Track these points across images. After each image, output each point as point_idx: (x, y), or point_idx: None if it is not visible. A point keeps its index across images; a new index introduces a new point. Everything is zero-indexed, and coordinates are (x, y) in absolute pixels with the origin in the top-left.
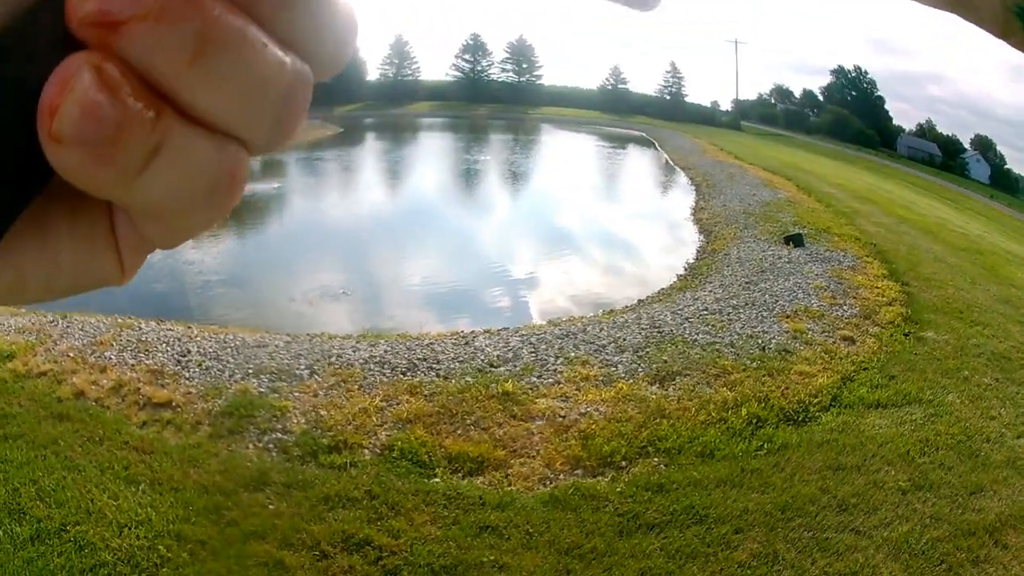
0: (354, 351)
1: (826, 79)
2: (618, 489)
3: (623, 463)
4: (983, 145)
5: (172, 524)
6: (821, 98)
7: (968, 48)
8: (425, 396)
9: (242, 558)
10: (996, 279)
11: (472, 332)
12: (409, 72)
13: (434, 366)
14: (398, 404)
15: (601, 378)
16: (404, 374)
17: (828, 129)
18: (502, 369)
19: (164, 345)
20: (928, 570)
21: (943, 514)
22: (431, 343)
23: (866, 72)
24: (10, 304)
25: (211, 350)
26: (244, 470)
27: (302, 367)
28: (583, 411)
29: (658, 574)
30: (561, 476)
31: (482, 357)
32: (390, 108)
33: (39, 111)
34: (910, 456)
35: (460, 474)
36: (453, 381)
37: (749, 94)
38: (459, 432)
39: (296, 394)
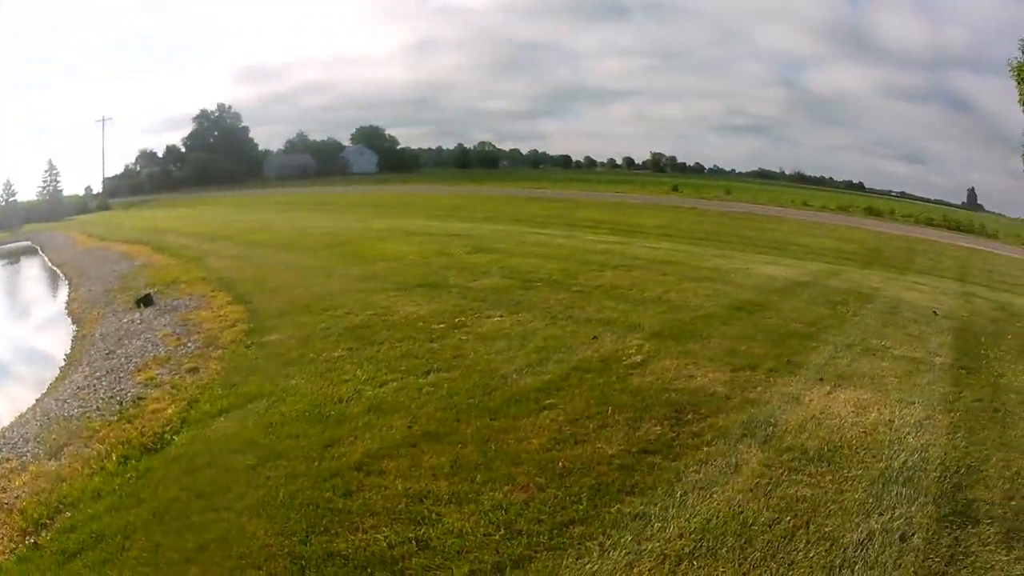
0: None
1: (190, 128)
2: (49, 537)
3: (48, 521)
4: (366, 136)
5: None
6: (184, 149)
7: (342, 46)
8: None
9: None
10: (362, 261)
11: None
12: None
13: None
14: None
15: (20, 467)
16: None
17: (192, 179)
18: None
19: None
20: (293, 515)
21: (299, 470)
22: None
23: (230, 107)
24: None
25: None
26: None
27: None
28: (16, 495)
29: None
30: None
31: None
32: None
33: None
34: (255, 440)
35: None
36: None
37: (119, 168)
38: None
39: None
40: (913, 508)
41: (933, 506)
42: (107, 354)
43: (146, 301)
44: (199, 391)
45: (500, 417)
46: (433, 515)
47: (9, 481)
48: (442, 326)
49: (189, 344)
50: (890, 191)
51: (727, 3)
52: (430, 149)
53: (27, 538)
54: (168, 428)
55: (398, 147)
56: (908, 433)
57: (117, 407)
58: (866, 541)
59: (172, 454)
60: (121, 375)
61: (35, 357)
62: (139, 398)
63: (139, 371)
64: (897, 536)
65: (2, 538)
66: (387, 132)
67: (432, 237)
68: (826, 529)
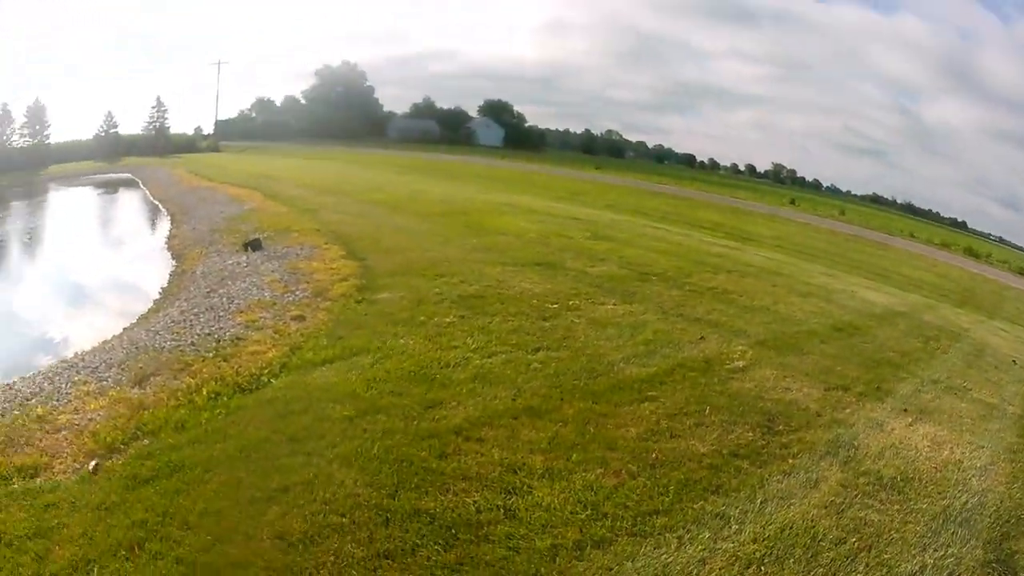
0: None
1: (312, 81)
2: (121, 462)
3: (122, 446)
4: (494, 110)
5: None
6: (304, 101)
7: (483, 17)
8: None
9: None
10: (480, 232)
11: (12, 380)
12: None
13: None
14: None
15: (97, 391)
16: None
17: (311, 131)
18: (34, 400)
19: None
20: (385, 469)
21: (396, 427)
22: None
23: (355, 65)
24: None
25: None
26: None
27: None
28: (90, 417)
29: (156, 508)
30: (88, 464)
31: (20, 396)
32: None
33: None
34: (356, 393)
35: (26, 479)
36: (7, 417)
37: (232, 112)
38: (18, 450)
39: None
40: (964, 549)
41: (981, 550)
42: (208, 292)
43: (254, 245)
44: (303, 339)
45: (602, 402)
46: (524, 487)
47: (83, 403)
48: (555, 306)
49: (297, 292)
50: (990, 234)
51: (849, 21)
52: (556, 130)
53: (93, 460)
54: (266, 371)
55: (525, 124)
56: (973, 476)
57: (214, 344)
58: (918, 574)
59: (267, 396)
60: (221, 314)
61: (126, 288)
62: (238, 338)
63: (241, 312)
64: (946, 574)
65: (67, 457)
66: (515, 108)
67: (553, 218)
68: (885, 556)
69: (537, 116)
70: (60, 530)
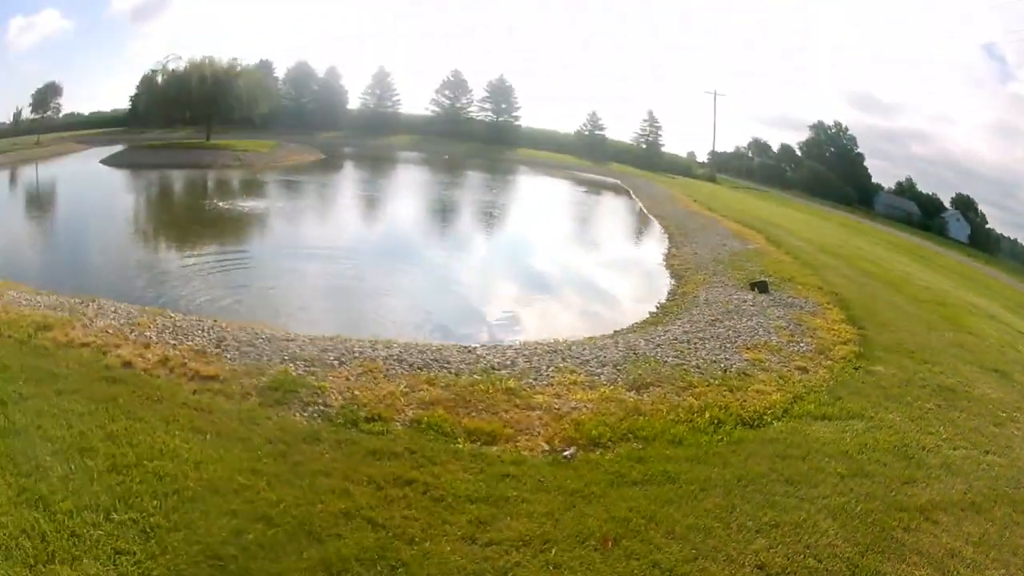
0: (373, 350)
1: (805, 134)
2: (607, 458)
3: (609, 443)
4: (964, 204)
5: (245, 463)
6: (799, 153)
7: (954, 106)
8: (441, 387)
9: (314, 487)
10: (955, 327)
11: (473, 345)
12: (390, 104)
13: (445, 366)
14: (419, 391)
15: (586, 383)
16: (420, 370)
17: (805, 185)
18: (503, 371)
19: (200, 332)
20: (862, 529)
21: (877, 494)
22: (438, 349)
23: (846, 129)
24: None
25: (244, 339)
26: (298, 429)
27: (331, 358)
28: (573, 406)
29: (641, 510)
30: (564, 449)
31: (484, 362)
32: (369, 138)
33: None
34: (849, 453)
35: (478, 443)
36: (463, 377)
37: (726, 146)
38: (473, 414)
39: (331, 378)
40: None
41: None
42: (712, 321)
43: (761, 287)
44: (805, 390)
45: (1019, 511)
46: (955, 572)
47: (567, 390)
48: (1004, 415)
49: (801, 344)
50: None
51: None
52: (1008, 238)
53: (571, 447)
54: (769, 412)
55: (986, 226)
56: None
57: (720, 373)
58: None
59: (769, 436)
60: (727, 345)
61: (613, 293)
62: (744, 373)
63: (747, 349)
64: None
65: (536, 436)
66: (980, 207)
67: (1008, 328)
68: None
69: (992, 218)
70: (517, 503)
